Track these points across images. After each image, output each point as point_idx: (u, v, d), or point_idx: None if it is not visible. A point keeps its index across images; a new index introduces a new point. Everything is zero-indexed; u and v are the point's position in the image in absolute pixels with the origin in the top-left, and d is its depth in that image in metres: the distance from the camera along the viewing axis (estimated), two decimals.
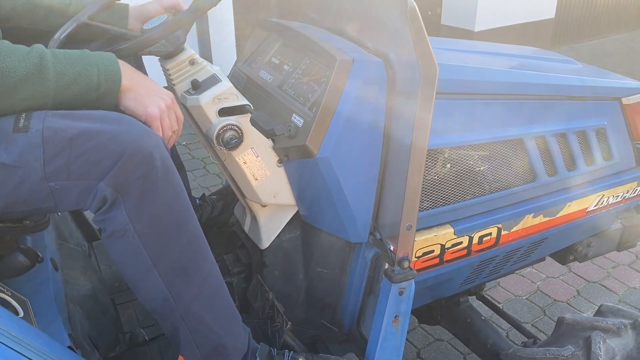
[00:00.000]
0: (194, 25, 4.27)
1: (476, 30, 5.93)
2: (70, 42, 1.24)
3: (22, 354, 0.87)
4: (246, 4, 4.35)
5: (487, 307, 2.13)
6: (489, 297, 2.41)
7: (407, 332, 2.43)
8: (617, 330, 1.41)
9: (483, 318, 1.84)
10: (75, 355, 1.02)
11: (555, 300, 2.67)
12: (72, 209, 1.07)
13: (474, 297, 2.10)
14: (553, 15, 6.64)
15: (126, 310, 1.53)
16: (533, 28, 6.42)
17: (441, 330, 2.39)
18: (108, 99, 1.07)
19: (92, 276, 1.51)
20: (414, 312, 2.00)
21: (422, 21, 1.07)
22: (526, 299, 2.68)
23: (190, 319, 1.15)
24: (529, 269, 2.83)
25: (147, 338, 1.38)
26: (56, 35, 1.26)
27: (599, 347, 1.34)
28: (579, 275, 2.83)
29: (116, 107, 1.10)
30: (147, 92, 1.11)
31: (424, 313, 1.97)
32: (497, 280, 2.77)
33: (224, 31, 4.46)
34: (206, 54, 4.33)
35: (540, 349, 1.40)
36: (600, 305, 1.57)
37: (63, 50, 1.05)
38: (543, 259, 1.97)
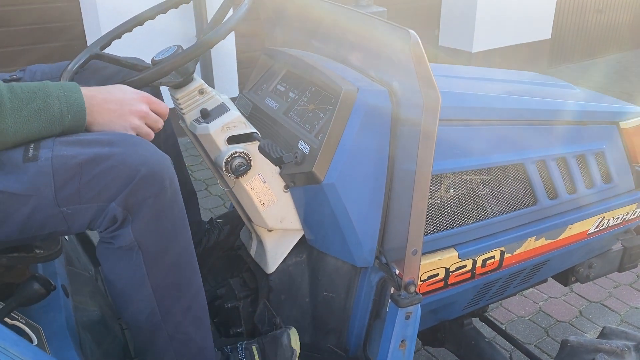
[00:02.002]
0: None
1: (474, 51, 6.02)
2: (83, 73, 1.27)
3: None
4: (248, 34, 4.42)
5: (490, 329, 2.13)
6: (491, 318, 2.42)
7: None
8: (621, 352, 1.42)
9: (487, 340, 1.85)
10: None
11: (557, 320, 2.67)
12: (84, 230, 1.09)
13: (477, 318, 2.11)
14: (549, 36, 6.74)
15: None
16: (530, 48, 6.51)
17: (445, 352, 2.39)
18: (75, 131, 1.06)
19: (100, 301, 1.52)
20: (418, 334, 2.00)
21: (424, 52, 1.10)
22: (529, 319, 2.68)
23: (178, 338, 1.17)
24: (530, 289, 2.84)
25: None
26: (69, 67, 1.29)
27: None
28: (580, 296, 2.84)
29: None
30: (114, 116, 1.10)
31: (428, 335, 1.98)
32: (500, 301, 2.78)
33: (227, 60, 4.52)
34: (208, 80, 4.39)
35: None
36: (604, 328, 1.58)
37: (22, 84, 1.03)
38: (545, 280, 1.98)
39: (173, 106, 1.36)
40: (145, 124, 1.15)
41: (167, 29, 3.77)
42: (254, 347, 1.31)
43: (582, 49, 7.50)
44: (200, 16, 4.22)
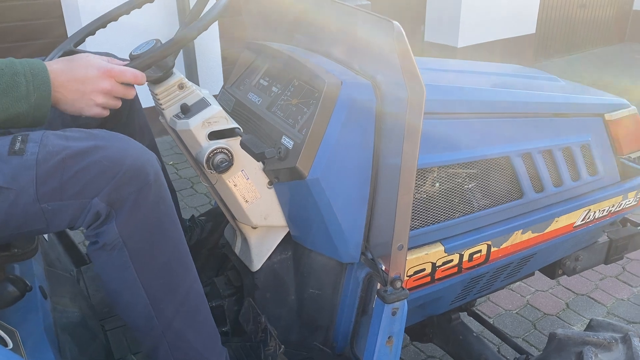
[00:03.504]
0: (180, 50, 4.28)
1: (459, 46, 6.02)
2: None
3: None
4: (232, 26, 4.39)
5: (478, 323, 2.13)
6: (479, 312, 2.42)
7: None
8: (609, 344, 1.42)
9: (475, 334, 1.84)
10: None
11: (545, 313, 2.68)
12: (63, 229, 1.07)
13: (465, 313, 2.11)
14: (534, 31, 6.77)
15: (116, 337, 1.51)
16: (515, 43, 6.53)
17: (433, 347, 2.38)
18: (40, 110, 1.03)
19: (81, 302, 1.49)
20: (406, 329, 1.99)
21: (408, 44, 1.08)
22: (516, 313, 2.69)
23: (171, 335, 1.15)
24: (518, 283, 2.85)
25: None
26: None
27: None
28: (567, 288, 2.86)
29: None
30: (78, 95, 1.08)
31: (416, 330, 1.96)
32: (488, 295, 2.78)
33: (211, 53, 4.48)
34: (192, 77, 4.34)
35: None
36: (591, 320, 1.58)
37: None
38: (532, 274, 1.98)
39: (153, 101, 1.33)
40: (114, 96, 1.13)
41: (151, 23, 3.72)
42: None
43: (566, 43, 7.55)
44: (183, 10, 4.17)
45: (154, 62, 1.17)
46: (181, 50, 4.30)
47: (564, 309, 2.71)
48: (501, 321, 2.63)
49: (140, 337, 1.17)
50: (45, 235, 1.56)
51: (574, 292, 2.83)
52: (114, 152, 1.01)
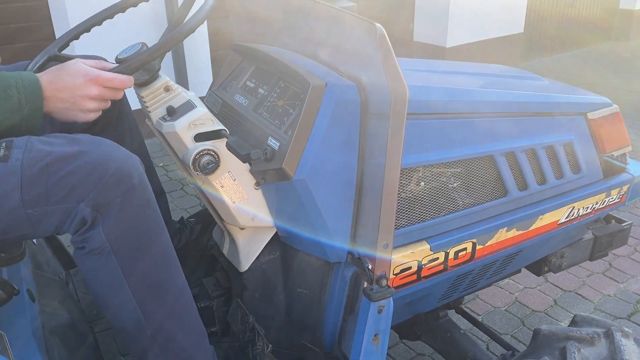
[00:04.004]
0: (169, 53, 4.28)
1: (448, 46, 6.06)
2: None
3: None
4: (222, 29, 4.39)
5: (466, 320, 2.15)
6: (468, 310, 2.45)
7: (389, 348, 2.45)
8: (591, 339, 1.44)
9: (462, 332, 1.87)
10: None
11: (533, 310, 2.71)
12: (50, 234, 1.08)
13: (453, 310, 2.13)
14: (522, 30, 6.82)
15: (105, 339, 1.51)
16: (503, 43, 6.58)
17: (422, 345, 2.41)
18: (33, 121, 1.06)
19: (70, 305, 1.49)
20: (394, 327, 2.01)
21: (390, 45, 1.10)
22: (505, 310, 2.72)
23: (161, 337, 1.16)
24: (506, 280, 2.88)
25: None
26: (29, 67, 1.26)
27: (574, 357, 1.37)
28: (555, 285, 2.89)
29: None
30: (69, 104, 1.10)
31: (404, 328, 1.98)
32: (476, 292, 2.81)
33: (200, 56, 4.48)
34: (182, 79, 4.34)
35: None
36: (575, 315, 1.60)
37: None
38: (519, 271, 2.01)
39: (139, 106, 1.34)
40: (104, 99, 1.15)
41: (140, 27, 3.72)
42: None
43: (554, 42, 7.62)
44: (172, 14, 4.17)
45: (141, 66, 1.18)
46: (170, 53, 4.32)
47: (551, 306, 2.74)
48: (490, 318, 2.65)
49: (129, 341, 1.18)
50: (34, 240, 1.56)
51: (561, 288, 2.86)
52: (98, 156, 1.02)
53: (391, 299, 1.27)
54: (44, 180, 0.99)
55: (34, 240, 1.57)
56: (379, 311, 1.27)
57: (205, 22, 4.43)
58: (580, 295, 2.82)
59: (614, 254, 3.12)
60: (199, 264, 1.74)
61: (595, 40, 8.27)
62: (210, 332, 1.57)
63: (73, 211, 1.02)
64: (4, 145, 1.01)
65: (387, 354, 2.39)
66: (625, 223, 2.05)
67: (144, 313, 1.12)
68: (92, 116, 1.13)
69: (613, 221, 2.06)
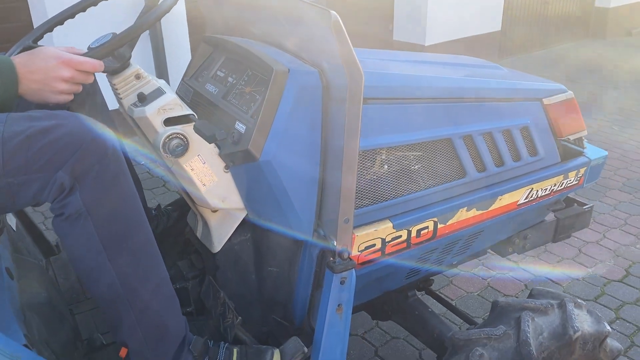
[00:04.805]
0: (149, 43, 4.32)
1: (426, 44, 6.17)
2: None
3: None
4: (201, 22, 4.45)
5: (440, 305, 2.23)
6: (442, 295, 2.52)
7: (365, 333, 2.52)
8: (545, 309, 1.53)
9: (430, 310, 1.95)
10: (31, 353, 1.06)
11: (505, 295, 2.81)
12: (29, 205, 1.14)
13: (424, 292, 2.21)
14: (499, 28, 6.96)
15: (84, 319, 1.57)
16: (480, 40, 6.71)
17: (397, 328, 2.49)
18: (6, 102, 1.13)
19: (49, 288, 1.55)
20: (367, 308, 2.09)
21: (346, 32, 1.18)
22: (478, 295, 2.81)
23: (136, 302, 1.23)
24: (479, 267, 2.98)
25: (104, 342, 1.43)
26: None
27: (528, 325, 1.46)
28: (526, 271, 2.99)
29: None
30: (41, 85, 1.16)
31: (376, 308, 2.06)
32: (450, 278, 2.90)
33: (179, 49, 4.53)
34: (162, 71, 4.38)
35: (476, 330, 1.52)
36: (532, 289, 1.69)
37: None
38: (485, 253, 2.09)
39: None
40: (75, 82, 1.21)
41: (120, 19, 3.76)
42: (235, 350, 1.36)
43: (531, 40, 7.77)
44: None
45: (110, 52, 1.25)
46: (150, 45, 4.35)
47: (522, 290, 2.84)
48: (464, 303, 2.74)
49: (105, 306, 1.24)
50: (13, 225, 1.61)
51: (532, 273, 2.96)
52: (75, 128, 1.10)
53: (353, 270, 1.35)
54: (24, 151, 1.06)
55: (13, 227, 1.62)
56: (342, 282, 1.34)
57: (185, 13, 4.47)
58: (550, 279, 2.92)
59: (584, 241, 3.23)
60: (174, 248, 1.80)
61: (573, 38, 8.45)
62: (185, 313, 1.64)
63: (52, 179, 1.09)
64: None
65: (364, 339, 2.47)
66: (587, 206, 2.14)
67: (120, 278, 1.19)
68: (63, 98, 1.20)
69: (575, 204, 2.16)
